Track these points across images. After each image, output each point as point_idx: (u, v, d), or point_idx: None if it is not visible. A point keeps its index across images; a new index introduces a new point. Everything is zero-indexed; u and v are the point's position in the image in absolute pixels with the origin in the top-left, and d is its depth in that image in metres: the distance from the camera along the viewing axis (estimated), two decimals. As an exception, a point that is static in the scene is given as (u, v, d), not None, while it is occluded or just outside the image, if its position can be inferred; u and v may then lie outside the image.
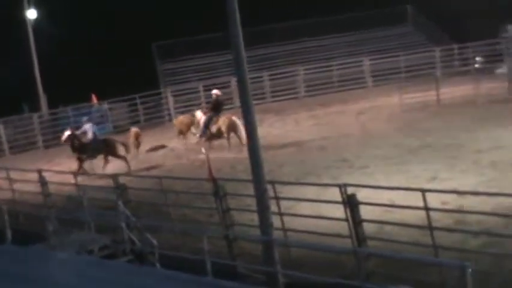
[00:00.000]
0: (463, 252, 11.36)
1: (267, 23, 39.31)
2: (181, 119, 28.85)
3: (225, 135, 24.72)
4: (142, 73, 38.32)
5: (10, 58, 37.36)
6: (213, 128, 24.96)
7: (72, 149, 25.21)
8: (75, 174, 20.81)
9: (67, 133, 25.41)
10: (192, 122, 27.82)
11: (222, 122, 24.74)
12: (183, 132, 28.10)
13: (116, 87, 35.08)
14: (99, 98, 34.43)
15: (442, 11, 37.67)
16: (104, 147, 24.94)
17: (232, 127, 24.36)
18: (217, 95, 25.72)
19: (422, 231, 12.11)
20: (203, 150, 21.76)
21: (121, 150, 25.09)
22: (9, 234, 16.34)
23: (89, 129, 25.32)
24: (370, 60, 36.66)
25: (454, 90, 28.40)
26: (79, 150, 25.04)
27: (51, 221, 15.56)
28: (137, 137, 28.00)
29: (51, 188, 19.51)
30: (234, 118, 24.25)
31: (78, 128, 25.80)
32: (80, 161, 24.87)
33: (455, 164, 18.47)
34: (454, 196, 14.56)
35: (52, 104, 35.56)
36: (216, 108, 25.33)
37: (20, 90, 36.01)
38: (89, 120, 26.21)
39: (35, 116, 34.14)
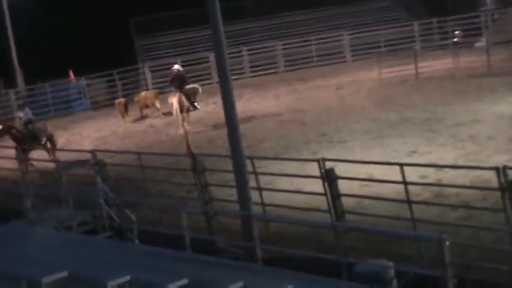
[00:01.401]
0: (441, 226, 11.41)
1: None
2: (145, 94, 29.29)
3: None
4: (120, 48, 38.05)
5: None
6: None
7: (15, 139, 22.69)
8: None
9: None
10: (157, 97, 28.35)
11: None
12: (148, 107, 28.49)
13: (93, 62, 34.80)
14: (76, 74, 34.12)
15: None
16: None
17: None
18: (178, 70, 25.38)
19: (401, 205, 12.16)
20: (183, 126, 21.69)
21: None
22: (-14, 211, 16.22)
23: (23, 115, 23.21)
24: (349, 34, 36.59)
25: (433, 64, 28.46)
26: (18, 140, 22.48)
27: (30, 197, 15.46)
28: (125, 106, 28.50)
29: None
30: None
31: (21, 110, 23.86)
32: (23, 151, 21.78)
33: (434, 137, 18.54)
34: (432, 170, 14.65)
35: (29, 80, 35.19)
36: (177, 83, 24.87)
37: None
38: (24, 105, 24.51)
39: (12, 92, 33.79)
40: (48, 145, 22.52)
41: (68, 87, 34.41)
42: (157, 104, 27.90)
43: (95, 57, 36.76)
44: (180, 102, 23.96)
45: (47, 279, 9.81)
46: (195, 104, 24.72)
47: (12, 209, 16.15)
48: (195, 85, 25.74)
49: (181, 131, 22.99)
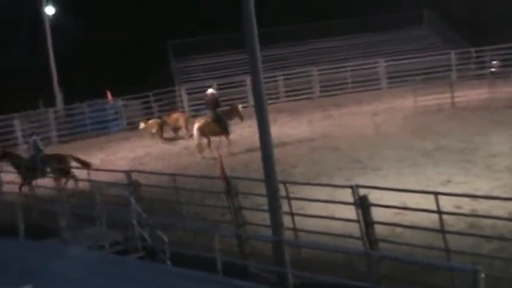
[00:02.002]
0: (475, 257, 11.29)
1: (284, 23, 39.31)
2: (176, 115, 30.01)
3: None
4: (157, 71, 38.42)
5: (27, 54, 37.62)
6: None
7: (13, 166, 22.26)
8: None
9: None
10: (187, 119, 29.08)
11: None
12: (178, 129, 29.19)
13: (130, 84, 35.21)
14: (114, 95, 34.52)
15: (458, 14, 37.53)
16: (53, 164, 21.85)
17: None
18: (212, 94, 25.63)
19: (434, 235, 12.05)
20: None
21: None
22: (22, 228, 16.39)
23: (31, 143, 22.82)
24: (386, 61, 36.57)
25: (469, 94, 28.28)
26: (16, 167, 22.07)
27: (64, 215, 15.62)
28: (161, 126, 29.31)
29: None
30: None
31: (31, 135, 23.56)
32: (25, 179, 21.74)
33: (470, 167, 18.38)
34: (467, 200, 14.50)
35: (68, 100, 35.69)
36: (210, 106, 25.17)
37: (37, 85, 36.17)
38: (34, 133, 24.12)
39: (51, 111, 34.27)
40: (58, 174, 21.67)
41: (105, 108, 34.80)
42: (188, 126, 28.13)
43: (132, 79, 37.17)
44: (204, 127, 24.26)
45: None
46: (228, 128, 24.83)
47: (47, 228, 16.31)
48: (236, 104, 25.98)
49: (201, 154, 23.92)
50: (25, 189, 21.28)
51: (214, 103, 25.03)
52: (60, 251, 14.22)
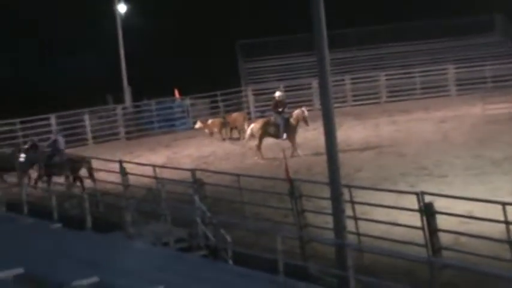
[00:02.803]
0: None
1: (352, 25, 39.13)
2: (235, 116, 30.48)
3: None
4: (225, 70, 38.69)
5: (99, 50, 38.40)
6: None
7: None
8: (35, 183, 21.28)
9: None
10: (245, 119, 29.48)
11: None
12: (236, 128, 29.55)
13: (198, 83, 35.56)
14: (181, 93, 34.91)
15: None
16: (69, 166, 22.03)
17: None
18: (279, 97, 25.79)
19: (501, 245, 11.88)
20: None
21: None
22: (89, 221, 16.77)
23: (53, 141, 22.87)
24: (455, 68, 36.06)
25: (541, 103, 27.69)
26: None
27: (130, 211, 15.90)
28: (222, 125, 29.78)
29: (131, 179, 19.96)
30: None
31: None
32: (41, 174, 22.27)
33: (539, 178, 18.02)
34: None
35: (136, 97, 36.25)
36: (276, 109, 25.32)
37: (106, 82, 36.86)
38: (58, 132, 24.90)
39: (119, 107, 34.86)
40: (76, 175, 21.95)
41: (172, 106, 35.19)
42: (246, 127, 28.20)
43: (200, 78, 37.54)
44: (262, 128, 24.65)
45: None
46: (279, 132, 24.93)
47: (113, 222, 16.64)
48: (302, 109, 25.88)
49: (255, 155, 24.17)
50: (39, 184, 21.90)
51: (279, 106, 25.16)
52: (125, 245, 14.49)
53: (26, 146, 23.94)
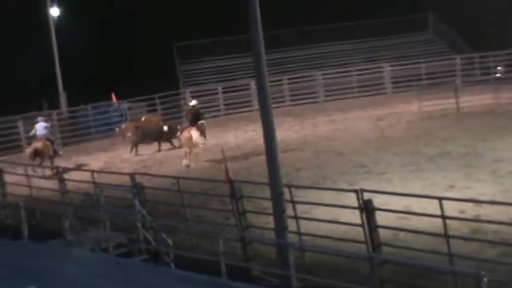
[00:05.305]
0: (479, 262, 11.29)
1: (288, 26, 39.34)
2: (149, 117, 30.02)
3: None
4: (162, 73, 38.46)
5: (32, 55, 37.70)
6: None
7: None
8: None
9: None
10: (160, 121, 29.21)
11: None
12: None
13: (136, 86, 35.25)
14: (118, 97, 34.55)
15: (464, 19, 37.51)
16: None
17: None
18: (194, 106, 25.55)
19: (438, 239, 12.05)
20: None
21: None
22: (25, 230, 16.43)
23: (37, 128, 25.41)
24: (390, 66, 36.58)
25: (474, 99, 28.26)
26: None
27: (68, 218, 15.64)
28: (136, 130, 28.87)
29: (69, 185, 19.62)
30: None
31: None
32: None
33: (473, 172, 18.37)
34: (471, 205, 14.50)
35: (72, 102, 35.74)
36: (190, 118, 25.07)
37: (41, 87, 36.25)
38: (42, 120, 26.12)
39: (54, 113, 34.30)
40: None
41: (109, 110, 34.81)
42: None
43: (137, 81, 37.22)
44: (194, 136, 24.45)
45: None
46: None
47: (51, 229, 16.34)
48: (203, 122, 25.83)
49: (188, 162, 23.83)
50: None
51: (196, 115, 24.93)
52: (63, 252, 14.24)
53: None
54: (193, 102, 25.78)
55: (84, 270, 12.38)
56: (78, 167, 24.36)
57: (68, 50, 36.01)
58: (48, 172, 23.17)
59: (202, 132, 24.91)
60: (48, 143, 25.26)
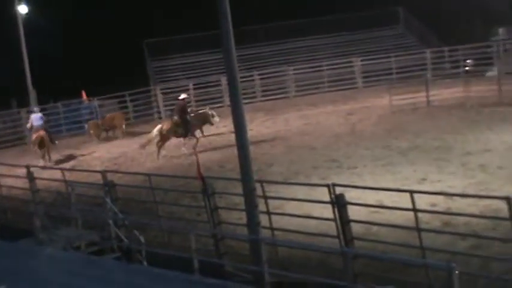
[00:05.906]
0: (451, 254, 11.37)
1: (258, 22, 39.35)
2: (113, 115, 31.65)
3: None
4: (133, 70, 38.27)
5: (0, 53, 37.26)
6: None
7: None
8: None
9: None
10: (123, 118, 31.18)
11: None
12: (115, 127, 30.89)
13: (106, 84, 35.03)
14: (89, 95, 34.32)
15: (433, 13, 37.80)
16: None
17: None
18: (183, 100, 25.68)
19: (410, 233, 12.12)
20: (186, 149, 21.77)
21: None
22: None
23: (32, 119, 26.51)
24: (361, 61, 36.73)
25: (444, 93, 28.48)
26: None
27: (39, 216, 15.51)
28: (97, 127, 30.65)
29: (39, 184, 19.43)
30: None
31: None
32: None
33: (444, 166, 18.50)
34: (442, 198, 14.59)
35: (42, 100, 35.40)
36: (178, 113, 25.16)
37: (10, 85, 35.87)
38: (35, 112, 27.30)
39: (23, 111, 33.96)
40: None
41: (80, 108, 34.60)
42: (123, 126, 29.94)
43: (107, 79, 37.00)
44: (172, 129, 24.65)
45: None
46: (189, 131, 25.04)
47: (22, 228, 16.19)
48: (205, 110, 26.19)
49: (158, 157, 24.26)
50: None
51: (182, 110, 24.98)
52: (34, 251, 14.10)
53: None
54: (182, 96, 26.02)
55: (56, 269, 12.27)
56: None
57: (36, 48, 35.64)
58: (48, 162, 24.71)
59: (206, 121, 25.61)
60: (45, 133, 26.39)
